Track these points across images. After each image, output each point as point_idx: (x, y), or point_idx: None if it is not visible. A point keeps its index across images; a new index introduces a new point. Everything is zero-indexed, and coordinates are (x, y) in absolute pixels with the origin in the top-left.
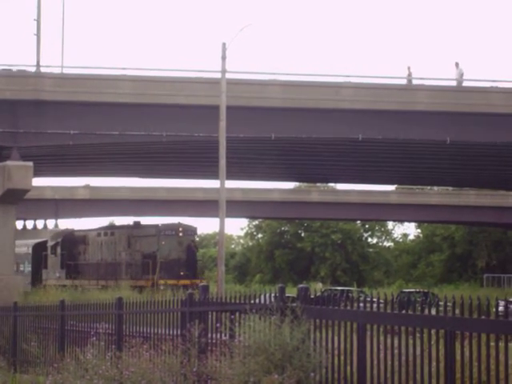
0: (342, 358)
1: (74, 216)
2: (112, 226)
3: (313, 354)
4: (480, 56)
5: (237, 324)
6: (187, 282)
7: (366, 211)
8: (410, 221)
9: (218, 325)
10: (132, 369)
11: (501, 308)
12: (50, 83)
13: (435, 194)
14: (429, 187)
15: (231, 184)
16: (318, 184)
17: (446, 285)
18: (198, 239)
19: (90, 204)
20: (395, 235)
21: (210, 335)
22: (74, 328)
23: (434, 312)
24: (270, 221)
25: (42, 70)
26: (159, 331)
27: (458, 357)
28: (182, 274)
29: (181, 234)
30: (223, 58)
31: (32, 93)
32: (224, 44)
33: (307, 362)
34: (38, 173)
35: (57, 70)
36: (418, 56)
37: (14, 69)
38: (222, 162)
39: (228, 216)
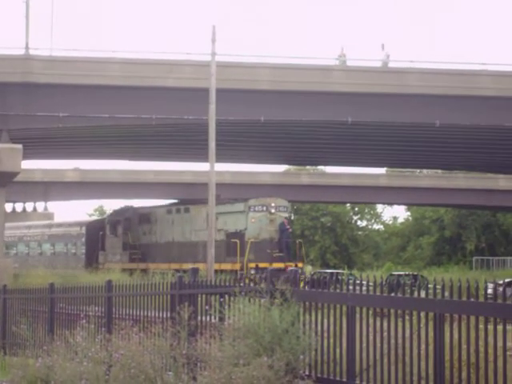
0: (332, 340)
1: (63, 199)
2: (186, 201)
3: (302, 337)
4: (469, 38)
5: (226, 307)
6: (281, 265)
7: (356, 194)
8: (399, 203)
9: (208, 307)
10: (122, 351)
11: (490, 290)
12: (39, 66)
13: (425, 177)
14: (418, 170)
15: (220, 167)
16: (308, 167)
17: (435, 267)
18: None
19: (80, 187)
20: (385, 218)
21: (199, 318)
22: (63, 311)
23: (423, 295)
24: None
25: (31, 52)
26: (149, 314)
27: (447, 339)
28: (274, 256)
29: (273, 211)
30: (213, 40)
31: (21, 75)
32: (214, 27)
33: (296, 345)
34: (27, 155)
35: (46, 53)
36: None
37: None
38: (212, 144)
39: None
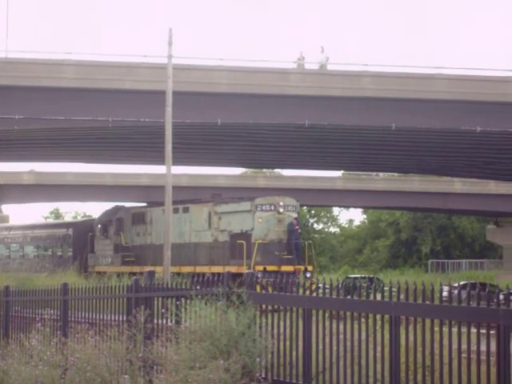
0: (288, 343)
1: (18, 201)
2: (184, 201)
3: (258, 340)
4: (425, 41)
5: (183, 310)
6: (290, 268)
7: (312, 197)
8: (355, 206)
9: (164, 310)
10: (77, 355)
11: (445, 293)
12: None
13: (380, 180)
14: (374, 173)
15: (177, 170)
16: (265, 170)
17: (391, 270)
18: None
19: (35, 189)
20: (341, 221)
21: (156, 321)
22: (19, 314)
23: (379, 297)
24: None
25: None
26: (105, 317)
27: (403, 342)
28: (283, 258)
29: (281, 210)
30: (169, 43)
31: None
32: (170, 29)
33: (253, 348)
34: None
35: (1, 55)
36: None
37: None
38: (168, 147)
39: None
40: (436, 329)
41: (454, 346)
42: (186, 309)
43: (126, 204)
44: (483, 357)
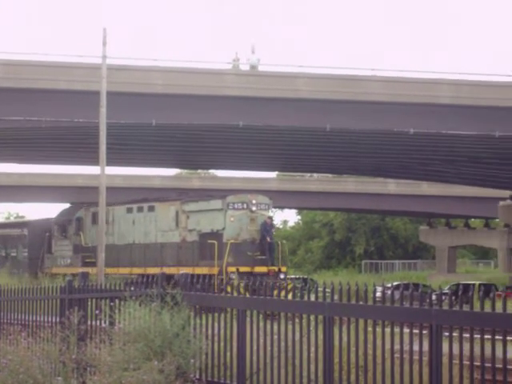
0: (222, 344)
1: None
2: (149, 199)
3: (193, 341)
4: (359, 43)
5: (117, 311)
6: (264, 269)
7: None
8: (290, 207)
9: (98, 312)
10: (10, 357)
11: (378, 294)
12: None
13: (315, 181)
14: (309, 174)
15: (112, 170)
16: (199, 171)
17: (325, 271)
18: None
19: None
20: (275, 222)
21: (89, 322)
22: None
23: (312, 298)
24: None
25: None
26: (39, 318)
27: (337, 342)
28: (257, 259)
29: (254, 209)
30: (104, 43)
31: None
32: (105, 29)
33: (187, 349)
34: None
35: None
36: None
37: None
38: (103, 147)
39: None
40: (369, 329)
41: (387, 346)
42: (120, 310)
43: (86, 202)
44: (416, 357)
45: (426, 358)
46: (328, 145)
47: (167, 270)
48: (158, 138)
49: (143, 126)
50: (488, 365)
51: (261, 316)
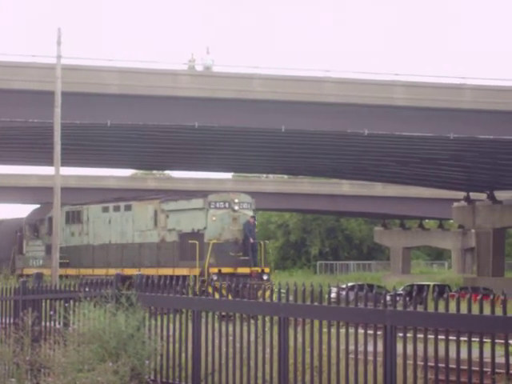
0: (178, 345)
1: None
2: (126, 198)
3: (148, 342)
4: (314, 46)
5: (71, 312)
6: (247, 270)
7: None
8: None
9: (52, 313)
10: None
11: (333, 295)
12: None
13: (270, 182)
14: (264, 175)
15: (66, 171)
16: (155, 171)
17: (280, 272)
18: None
19: None
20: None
21: (43, 323)
22: None
23: (268, 299)
24: None
25: None
26: None
27: (292, 343)
28: (240, 259)
29: (236, 208)
30: (58, 43)
31: None
32: (59, 29)
33: (142, 350)
34: None
35: None
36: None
37: None
38: (57, 148)
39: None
40: (324, 330)
41: (342, 346)
42: (74, 311)
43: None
44: (370, 357)
45: (380, 359)
46: (283, 146)
47: (145, 271)
48: (113, 138)
49: (98, 126)
50: (442, 365)
51: (216, 317)
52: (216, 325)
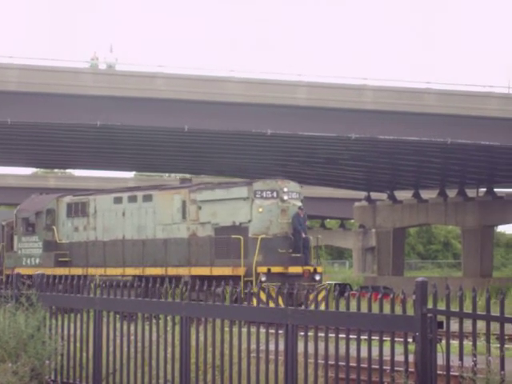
0: (79, 344)
1: None
2: (143, 187)
3: (48, 342)
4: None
5: None
6: (299, 269)
7: None
8: None
9: None
10: None
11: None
12: None
13: (173, 182)
14: (167, 174)
15: None
16: (56, 170)
17: None
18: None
19: None
20: None
21: None
22: None
23: (170, 298)
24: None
25: None
26: None
27: (193, 342)
28: (291, 257)
29: (285, 198)
30: None
31: None
32: None
33: (42, 350)
34: None
35: None
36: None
37: None
38: None
39: None
40: (226, 329)
41: (244, 345)
42: None
43: (60, 191)
44: (272, 356)
45: (282, 358)
46: (186, 145)
47: (174, 271)
48: (13, 136)
49: None
50: (342, 363)
51: (117, 316)
52: (117, 324)
